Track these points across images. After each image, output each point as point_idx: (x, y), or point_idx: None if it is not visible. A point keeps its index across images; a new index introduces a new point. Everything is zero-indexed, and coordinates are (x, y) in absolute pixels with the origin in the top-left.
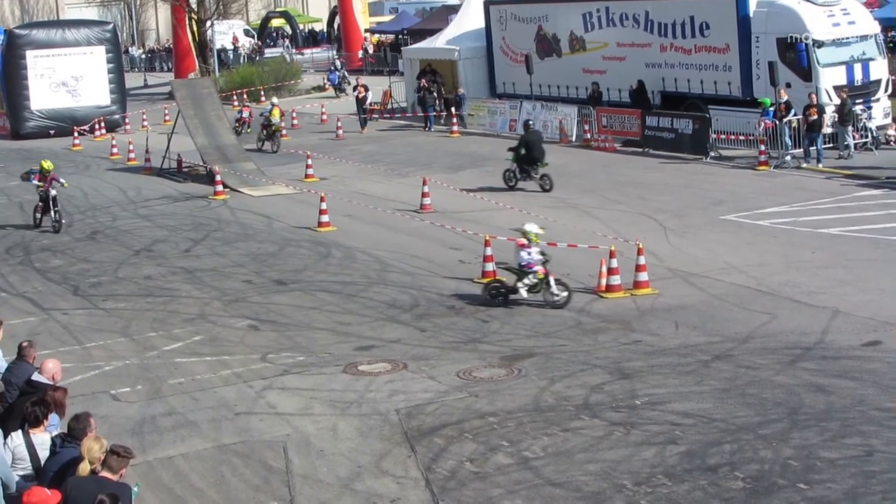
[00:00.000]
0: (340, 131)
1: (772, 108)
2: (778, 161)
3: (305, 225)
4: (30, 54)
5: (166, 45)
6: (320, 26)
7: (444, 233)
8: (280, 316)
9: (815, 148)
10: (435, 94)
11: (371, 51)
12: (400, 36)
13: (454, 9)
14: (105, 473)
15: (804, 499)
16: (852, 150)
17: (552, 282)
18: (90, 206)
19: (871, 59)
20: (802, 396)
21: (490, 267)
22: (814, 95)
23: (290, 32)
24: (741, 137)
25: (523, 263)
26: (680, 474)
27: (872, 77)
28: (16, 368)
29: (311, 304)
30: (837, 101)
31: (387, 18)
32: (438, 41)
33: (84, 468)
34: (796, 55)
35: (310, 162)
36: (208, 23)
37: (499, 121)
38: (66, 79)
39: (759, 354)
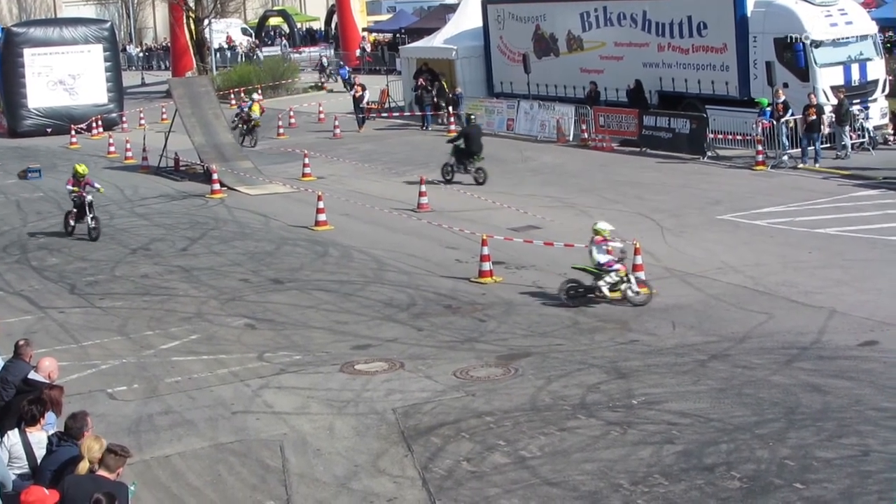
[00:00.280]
0: (338, 130)
1: (769, 109)
2: (775, 161)
3: (302, 224)
4: (27, 52)
5: (164, 44)
6: (318, 25)
7: (441, 232)
8: (277, 315)
9: (813, 148)
10: (434, 93)
11: (368, 49)
12: (397, 35)
13: (452, 8)
14: (102, 472)
15: (800, 498)
16: (850, 150)
17: (633, 280)
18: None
19: (869, 60)
20: (799, 396)
21: (487, 266)
22: (813, 96)
23: (287, 31)
24: (738, 137)
25: (603, 262)
26: (676, 474)
27: (870, 77)
28: (12, 367)
29: (307, 302)
30: (835, 101)
31: (384, 17)
32: (436, 40)
33: (84, 467)
34: (794, 55)
35: (307, 161)
36: (206, 21)
37: (496, 120)
38: (63, 77)
39: (755, 354)
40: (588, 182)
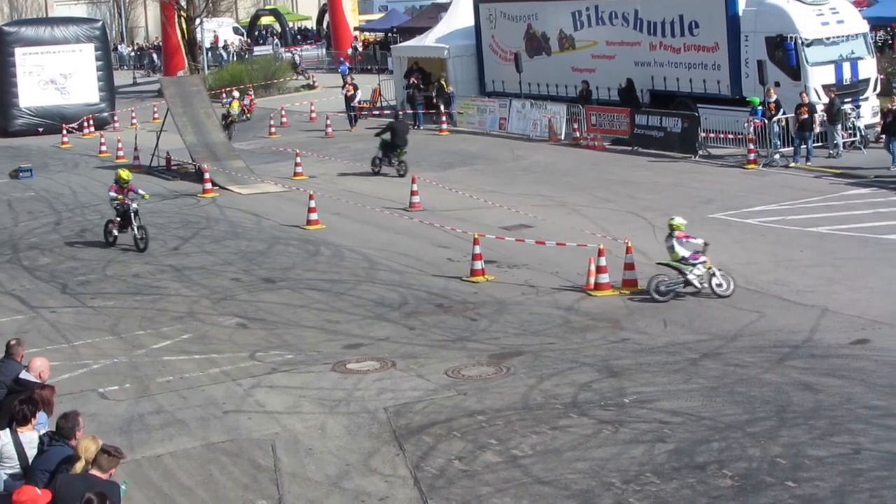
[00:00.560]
0: (329, 129)
1: (760, 107)
2: (767, 160)
3: (294, 223)
4: (18, 52)
5: (155, 43)
6: (310, 24)
7: (433, 231)
8: (269, 314)
9: (805, 147)
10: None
11: (360, 49)
12: (389, 34)
13: (444, 7)
14: (95, 472)
15: (792, 496)
16: (841, 149)
17: (717, 272)
18: (79, 204)
19: (860, 58)
20: (790, 395)
21: (479, 265)
22: (804, 95)
23: (279, 30)
24: (730, 136)
25: (687, 256)
26: (668, 472)
27: (861, 76)
28: (3, 367)
29: (299, 302)
30: (826, 100)
31: (376, 16)
32: (428, 39)
33: (80, 467)
34: (785, 54)
35: (298, 160)
36: (197, 20)
37: (488, 119)
38: (54, 76)
39: (747, 353)
40: (580, 181)
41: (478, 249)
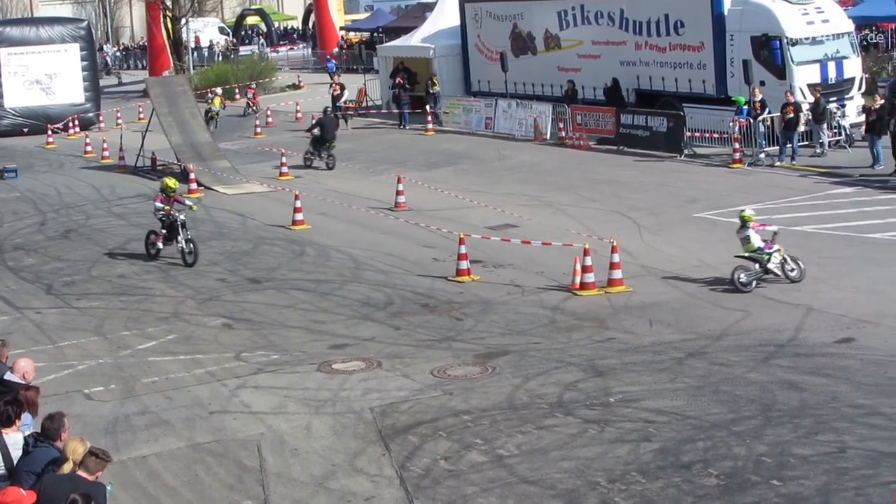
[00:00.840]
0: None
1: (746, 107)
2: (752, 159)
3: (280, 223)
4: (3, 52)
5: (141, 43)
6: (296, 24)
7: (419, 231)
8: (254, 314)
9: (790, 146)
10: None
11: (344, 48)
12: (375, 34)
13: (429, 6)
14: (81, 473)
15: (777, 495)
16: (826, 147)
17: (788, 258)
18: (64, 205)
19: (845, 58)
20: (776, 393)
21: (464, 265)
22: (790, 94)
23: (265, 30)
24: (715, 135)
25: (762, 245)
26: (654, 471)
27: (846, 75)
28: None
29: (285, 302)
30: (811, 99)
31: (362, 16)
32: (413, 39)
33: (68, 468)
34: (770, 53)
35: (284, 160)
36: (183, 20)
37: (474, 119)
38: (39, 76)
39: (732, 352)
40: (565, 180)
41: (463, 249)
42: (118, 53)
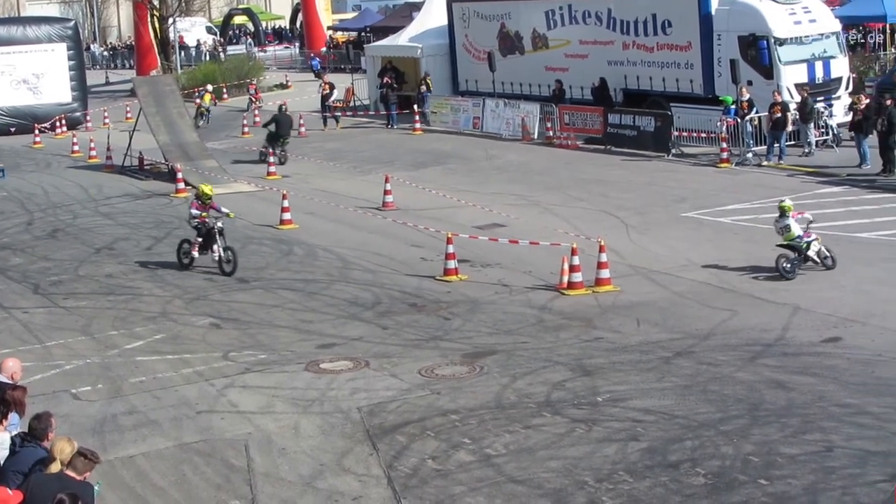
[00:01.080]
0: (303, 129)
1: (733, 106)
2: (739, 158)
3: (267, 223)
4: None
5: (128, 43)
6: (283, 23)
7: (407, 230)
8: (242, 314)
9: (778, 146)
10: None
11: (331, 47)
12: (363, 33)
13: (417, 6)
14: (69, 472)
15: (765, 494)
16: (814, 147)
17: (822, 247)
18: (51, 204)
19: (833, 57)
20: (763, 393)
21: (452, 264)
22: (777, 94)
23: (252, 30)
24: (703, 135)
25: (801, 234)
26: (641, 471)
27: (833, 75)
28: None
29: (272, 301)
30: (798, 98)
31: (350, 16)
32: (401, 38)
33: (56, 468)
34: (758, 53)
35: (272, 160)
36: (170, 20)
37: (461, 118)
38: (26, 76)
39: (720, 351)
40: (553, 180)
41: (451, 249)
42: (105, 53)
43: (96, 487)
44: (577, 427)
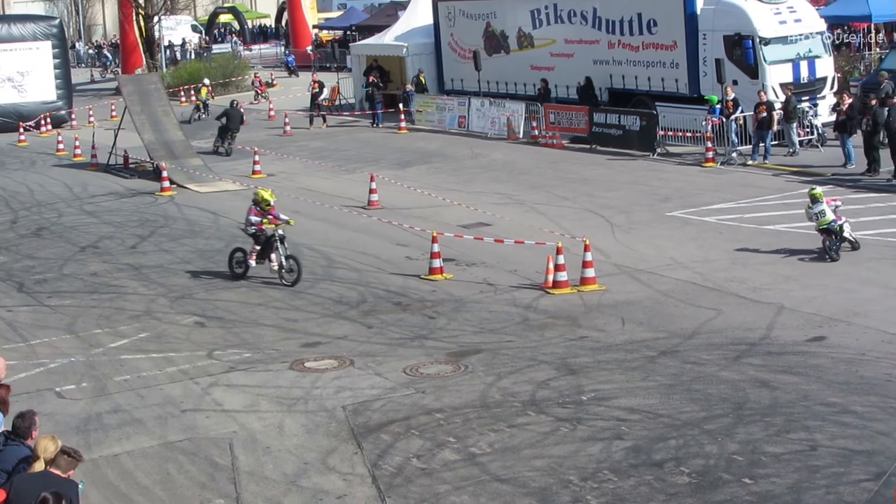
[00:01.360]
0: (288, 127)
1: (718, 106)
2: (724, 158)
3: None
4: None
5: (113, 41)
6: (269, 22)
7: (392, 229)
8: (226, 312)
9: (763, 145)
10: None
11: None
12: (348, 32)
13: (402, 5)
14: (53, 471)
15: (749, 493)
16: (797, 147)
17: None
18: (36, 203)
19: (818, 57)
20: (747, 392)
21: (437, 263)
22: (763, 93)
23: (238, 28)
24: (688, 134)
25: (835, 218)
26: (626, 469)
27: (819, 74)
28: None
29: (257, 300)
30: (783, 98)
31: (335, 14)
32: (387, 37)
33: (39, 467)
34: (743, 52)
35: (257, 158)
36: (155, 18)
37: (447, 117)
38: (11, 74)
39: (704, 350)
40: (538, 179)
41: (436, 247)
42: (90, 51)
43: (80, 486)
44: (562, 426)
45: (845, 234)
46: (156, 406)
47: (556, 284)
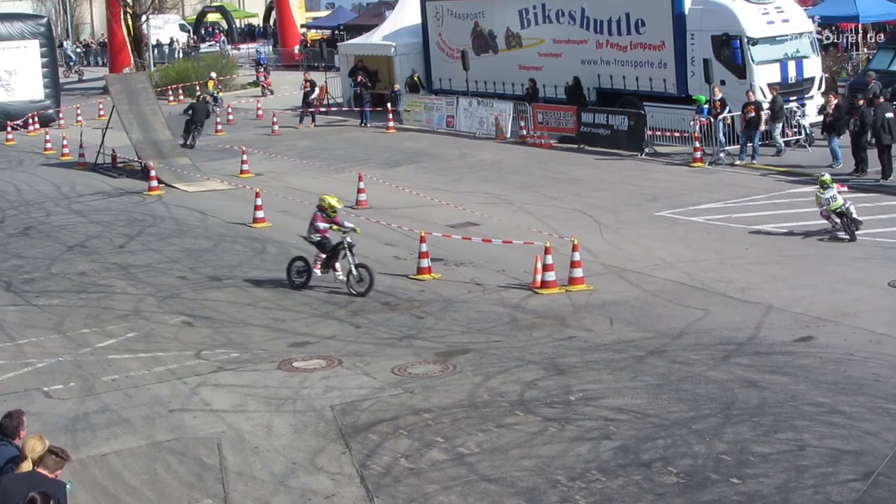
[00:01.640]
0: (276, 126)
1: (706, 106)
2: (712, 158)
3: (240, 221)
4: None
5: (101, 40)
6: (257, 21)
7: (380, 229)
8: (215, 312)
9: (751, 145)
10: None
11: (307, 45)
12: (336, 31)
13: (391, 4)
14: (41, 471)
15: (737, 493)
16: (781, 146)
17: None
18: (23, 202)
19: (805, 57)
20: (735, 392)
21: (425, 263)
22: (751, 93)
23: (225, 27)
24: (676, 134)
25: (844, 202)
26: (614, 469)
27: (806, 74)
28: None
29: (245, 300)
30: (770, 97)
31: (323, 13)
32: (374, 37)
33: (27, 467)
34: (731, 52)
35: (245, 157)
36: (143, 17)
37: (435, 117)
38: None
39: (692, 350)
40: (526, 178)
41: (424, 247)
42: (78, 50)
43: (68, 486)
44: (550, 426)
45: (854, 216)
46: (144, 406)
47: (544, 284)
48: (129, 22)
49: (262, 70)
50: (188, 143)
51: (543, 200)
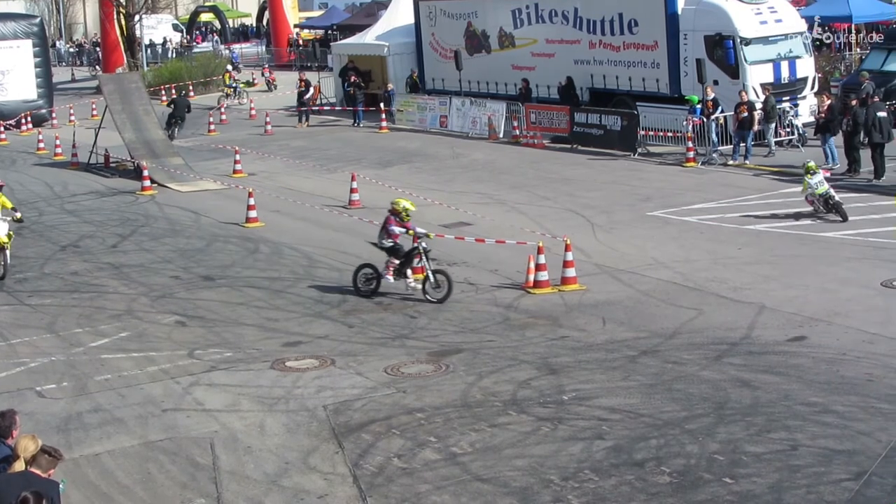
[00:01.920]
0: (269, 126)
1: (699, 106)
2: (705, 158)
3: (233, 220)
4: None
5: (94, 40)
6: (250, 21)
7: (373, 228)
8: (207, 312)
9: (744, 145)
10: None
11: (300, 45)
12: (329, 31)
13: (383, 4)
14: (34, 470)
15: (730, 493)
16: (773, 146)
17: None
18: (16, 202)
19: (798, 57)
20: (728, 391)
21: (417, 263)
22: (744, 93)
23: (219, 27)
24: (669, 134)
25: (829, 187)
26: (607, 469)
27: (799, 75)
28: None
29: (238, 299)
30: (763, 98)
31: (316, 13)
32: (367, 37)
33: (20, 466)
34: (724, 53)
35: (238, 157)
36: (136, 17)
37: (428, 117)
38: None
39: (685, 350)
40: (519, 178)
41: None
42: (71, 49)
43: (61, 486)
44: (543, 425)
45: (837, 200)
46: (136, 405)
47: (537, 284)
48: (123, 22)
49: (266, 66)
50: (168, 136)
51: (536, 200)
